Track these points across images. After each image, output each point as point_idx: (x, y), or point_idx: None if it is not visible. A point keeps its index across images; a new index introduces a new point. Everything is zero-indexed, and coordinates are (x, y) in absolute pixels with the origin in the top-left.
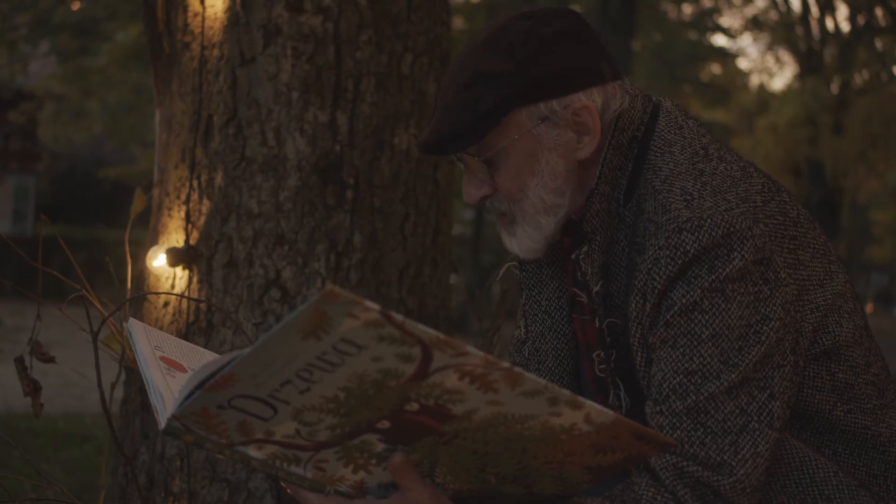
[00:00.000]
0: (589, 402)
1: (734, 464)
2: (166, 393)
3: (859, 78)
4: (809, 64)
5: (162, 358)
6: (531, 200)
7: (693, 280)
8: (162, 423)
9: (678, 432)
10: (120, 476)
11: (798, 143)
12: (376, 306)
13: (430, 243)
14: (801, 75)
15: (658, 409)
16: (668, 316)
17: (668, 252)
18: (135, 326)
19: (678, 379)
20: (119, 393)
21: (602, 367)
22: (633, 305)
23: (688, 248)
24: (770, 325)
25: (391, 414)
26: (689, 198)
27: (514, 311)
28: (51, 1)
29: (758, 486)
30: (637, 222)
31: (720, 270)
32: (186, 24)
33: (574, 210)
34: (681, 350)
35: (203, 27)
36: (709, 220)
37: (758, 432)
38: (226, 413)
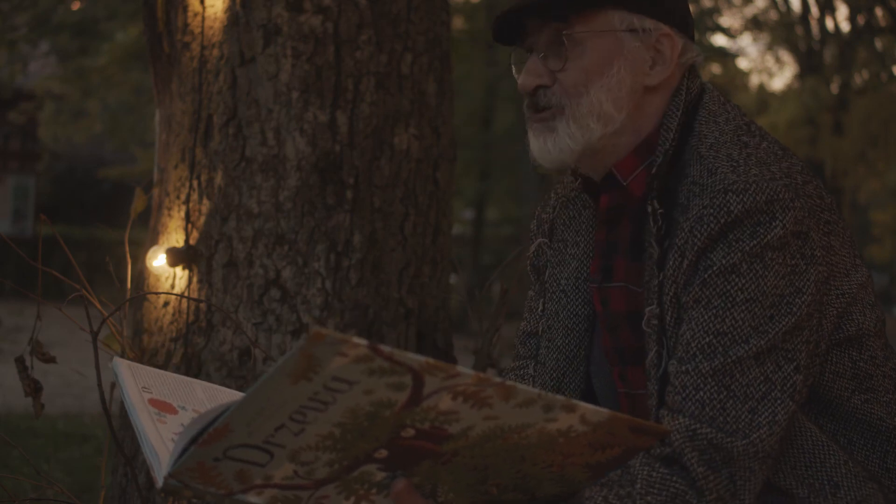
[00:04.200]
0: (583, 404)
1: (749, 429)
2: (159, 446)
3: (859, 78)
4: (809, 64)
5: (151, 401)
6: (590, 99)
7: (734, 243)
8: (159, 482)
9: (701, 393)
10: (120, 476)
11: (798, 142)
12: (364, 342)
13: (430, 243)
14: (801, 75)
15: (684, 368)
16: (706, 276)
17: (712, 211)
18: (120, 366)
19: (707, 339)
20: (119, 393)
21: (654, 322)
22: (671, 263)
23: (732, 208)
24: (802, 299)
25: (388, 443)
26: (735, 164)
27: (514, 311)
28: (51, 1)
29: (770, 454)
30: (679, 185)
31: (762, 236)
32: (186, 24)
33: (616, 161)
34: (714, 311)
35: (203, 27)
36: (754, 185)
37: (778, 401)
38: (222, 464)
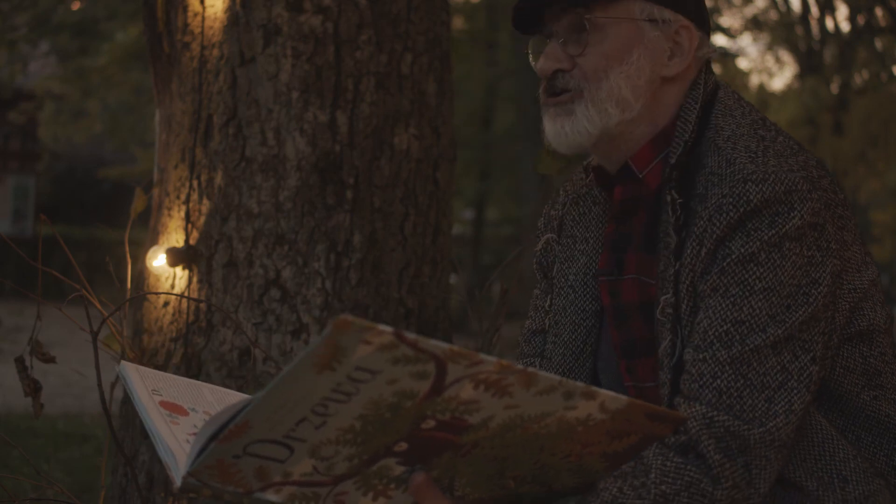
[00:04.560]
0: (602, 391)
1: (765, 418)
2: (175, 446)
3: (859, 78)
4: (809, 64)
5: (162, 403)
6: (609, 84)
7: (753, 232)
8: (177, 482)
9: (718, 381)
10: (120, 476)
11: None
12: (390, 329)
13: (430, 243)
14: (801, 75)
15: (701, 356)
16: (724, 264)
17: (731, 200)
18: (127, 370)
19: (725, 327)
20: (119, 393)
21: (669, 311)
22: (689, 251)
23: (751, 197)
24: (819, 290)
25: (408, 435)
26: (753, 155)
27: (514, 311)
28: (51, 1)
29: (786, 443)
30: (696, 176)
31: (780, 226)
32: (186, 24)
33: (631, 152)
34: (732, 299)
35: (203, 27)
36: (773, 176)
37: (795, 391)
38: (242, 461)
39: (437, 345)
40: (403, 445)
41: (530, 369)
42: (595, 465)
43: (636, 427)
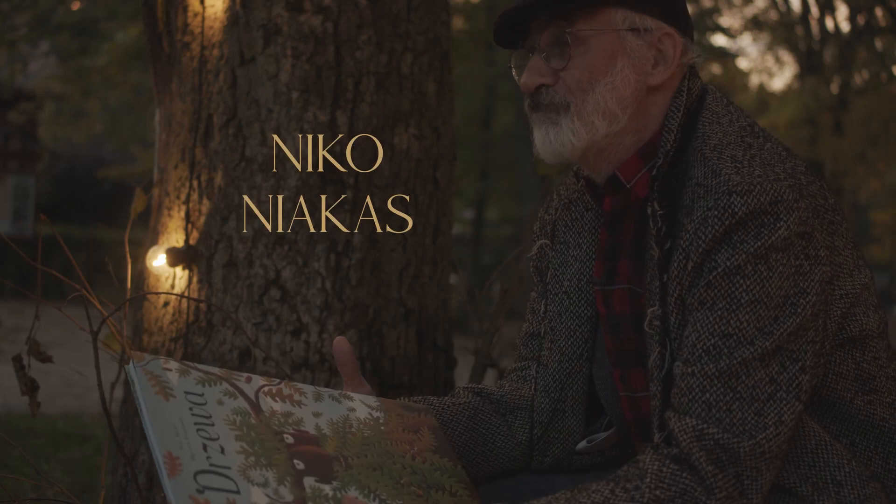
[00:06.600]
0: (355, 395)
1: (755, 430)
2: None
3: (859, 78)
4: (809, 64)
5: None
6: (595, 97)
7: (738, 244)
8: None
9: (707, 395)
10: (120, 476)
11: (798, 143)
12: (174, 360)
13: (430, 243)
14: (801, 75)
15: (689, 370)
16: (711, 277)
17: (716, 213)
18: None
19: (713, 341)
20: (119, 393)
21: (656, 323)
22: (676, 265)
23: (736, 209)
24: (807, 300)
25: (290, 452)
26: (738, 165)
27: (514, 311)
28: (51, 1)
29: (778, 454)
30: (683, 187)
31: (766, 238)
32: (186, 24)
33: (619, 163)
34: (719, 312)
35: (203, 27)
36: (758, 187)
37: (784, 402)
38: (211, 497)
39: (212, 369)
40: (300, 464)
41: (275, 379)
42: (444, 465)
43: (412, 421)
